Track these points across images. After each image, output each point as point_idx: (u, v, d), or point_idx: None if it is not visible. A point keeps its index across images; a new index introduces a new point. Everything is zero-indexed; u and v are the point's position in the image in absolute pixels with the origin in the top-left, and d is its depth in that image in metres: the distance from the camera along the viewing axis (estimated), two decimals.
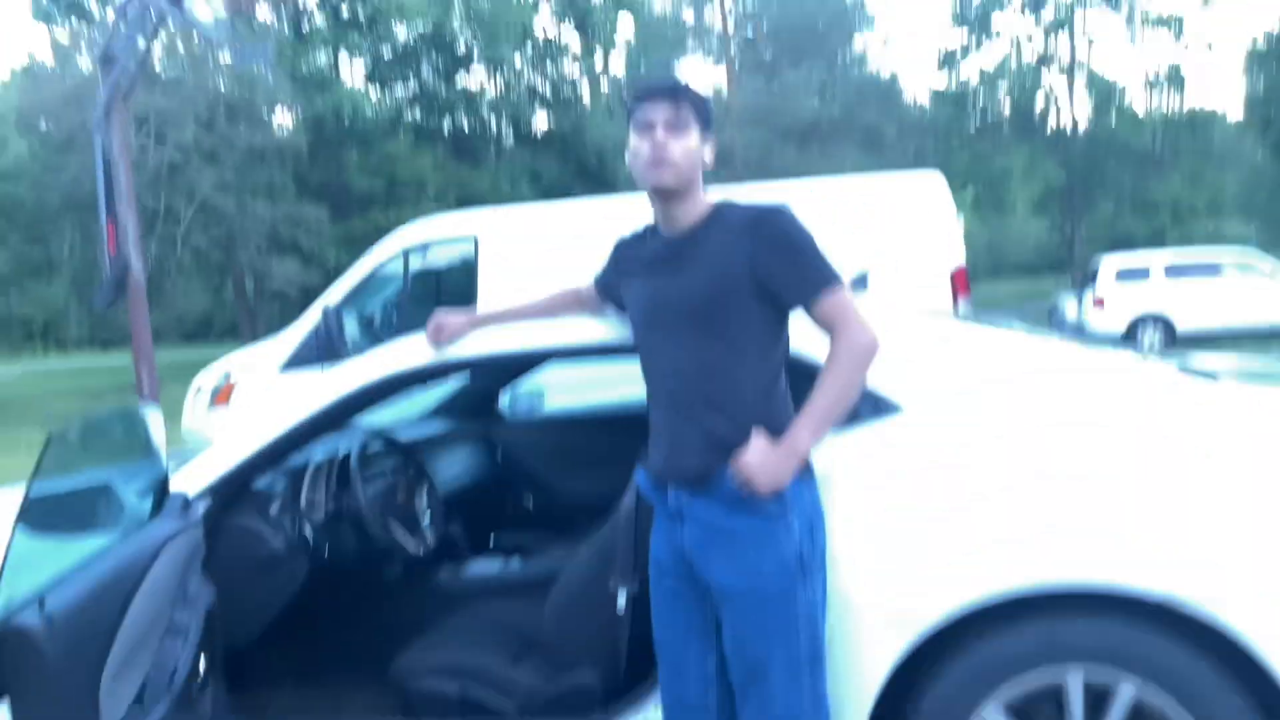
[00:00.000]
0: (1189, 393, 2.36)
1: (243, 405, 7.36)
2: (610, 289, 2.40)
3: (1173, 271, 15.79)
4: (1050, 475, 2.12)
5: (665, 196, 2.09)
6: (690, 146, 2.05)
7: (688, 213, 2.10)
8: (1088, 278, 16.94)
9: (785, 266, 2.00)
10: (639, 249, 2.23)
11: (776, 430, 2.02)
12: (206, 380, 7.78)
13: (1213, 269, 15.94)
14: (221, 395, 7.60)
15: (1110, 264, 16.21)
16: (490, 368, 2.83)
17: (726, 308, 2.02)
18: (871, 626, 2.11)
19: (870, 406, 2.22)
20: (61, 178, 24.26)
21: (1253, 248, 19.28)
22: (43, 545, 1.92)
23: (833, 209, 6.44)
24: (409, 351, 2.64)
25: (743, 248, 2.01)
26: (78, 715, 1.83)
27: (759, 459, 1.95)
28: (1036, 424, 2.22)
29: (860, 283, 6.55)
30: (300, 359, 7.19)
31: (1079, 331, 15.19)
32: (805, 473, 2.02)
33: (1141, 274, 15.80)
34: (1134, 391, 2.36)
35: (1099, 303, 15.65)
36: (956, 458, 2.18)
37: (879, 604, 2.11)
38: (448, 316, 2.59)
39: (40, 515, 1.92)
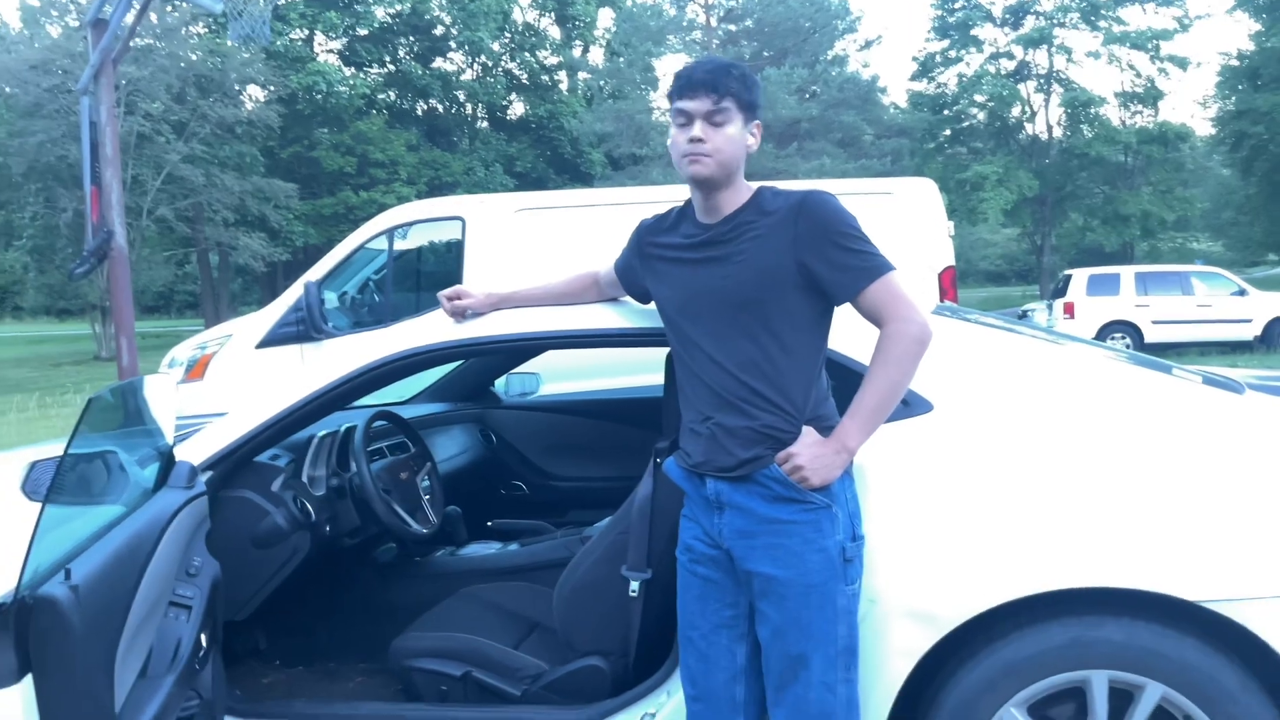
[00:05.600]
0: (1219, 402, 2.36)
1: (217, 380, 7.22)
2: (632, 274, 2.30)
3: (1142, 283, 16.14)
4: (1079, 478, 2.11)
5: (705, 186, 2.01)
6: (731, 135, 1.97)
7: (729, 200, 2.02)
8: (1059, 286, 17.24)
9: (830, 255, 1.93)
10: (669, 234, 2.14)
11: (822, 421, 1.99)
12: (181, 353, 7.64)
13: (1182, 281, 16.36)
14: (196, 369, 7.45)
15: (1081, 273, 16.57)
16: (496, 351, 2.76)
17: (774, 300, 1.96)
18: (897, 622, 2.09)
19: (902, 403, 2.18)
20: (26, 144, 23.83)
21: (1204, 264, 19.71)
22: (64, 513, 1.86)
23: None
24: (424, 330, 2.57)
25: (785, 235, 1.95)
26: (94, 687, 1.77)
27: (810, 455, 1.92)
28: (1069, 426, 2.21)
29: None
30: (278, 336, 7.06)
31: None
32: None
33: (1112, 284, 16.12)
34: (1167, 397, 2.35)
35: (1069, 310, 15.94)
36: (987, 458, 2.16)
37: (905, 600, 2.09)
38: (469, 293, 2.53)
39: (65, 483, 1.86)
